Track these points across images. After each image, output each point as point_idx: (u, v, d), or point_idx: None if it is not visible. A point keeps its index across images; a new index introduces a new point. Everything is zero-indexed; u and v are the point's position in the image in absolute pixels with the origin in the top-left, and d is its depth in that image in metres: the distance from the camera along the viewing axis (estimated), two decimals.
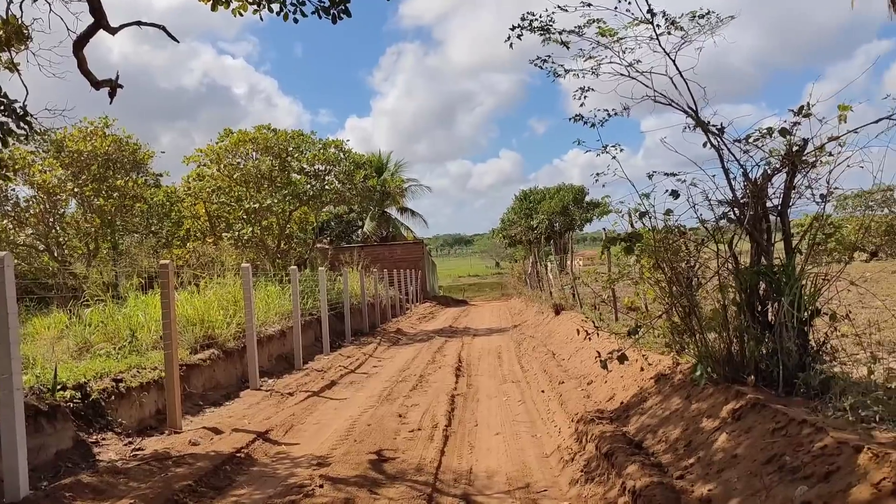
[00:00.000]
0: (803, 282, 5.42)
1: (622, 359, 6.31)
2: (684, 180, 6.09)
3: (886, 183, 5.28)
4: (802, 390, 4.99)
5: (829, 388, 4.85)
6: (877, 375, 4.92)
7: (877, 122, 5.03)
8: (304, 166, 21.64)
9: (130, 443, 6.98)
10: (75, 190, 17.56)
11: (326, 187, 21.71)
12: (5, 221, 17.19)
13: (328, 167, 21.86)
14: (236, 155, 20.81)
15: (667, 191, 6.18)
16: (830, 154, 5.46)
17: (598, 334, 8.44)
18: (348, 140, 22.61)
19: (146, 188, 20.29)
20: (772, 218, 5.84)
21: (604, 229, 9.13)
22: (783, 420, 4.27)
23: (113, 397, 7.36)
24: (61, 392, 6.75)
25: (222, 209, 21.08)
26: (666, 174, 6.23)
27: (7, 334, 5.13)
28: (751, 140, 5.77)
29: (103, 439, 6.85)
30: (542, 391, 9.51)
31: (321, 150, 21.70)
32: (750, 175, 5.80)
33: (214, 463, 6.19)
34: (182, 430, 7.67)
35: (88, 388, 7.13)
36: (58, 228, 18.08)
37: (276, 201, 20.17)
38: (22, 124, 7.26)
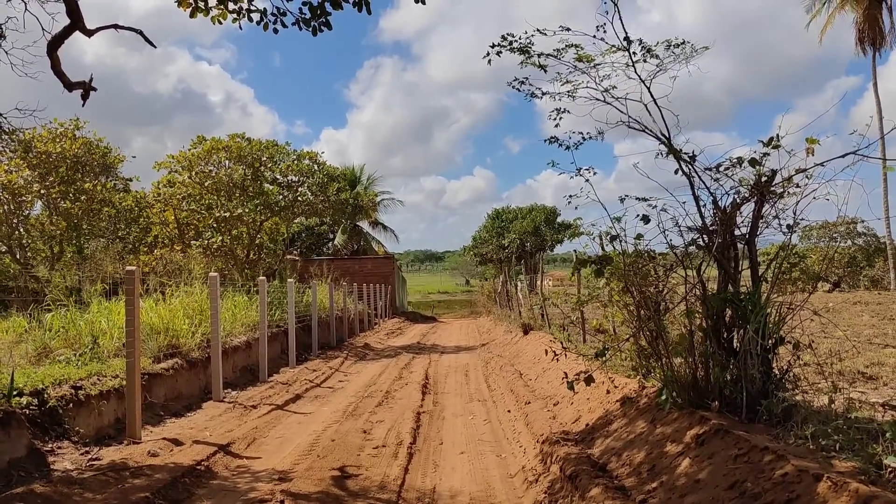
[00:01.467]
0: (768, 310, 5.51)
1: (589, 381, 6.34)
2: (655, 206, 6.18)
3: (850, 216, 5.38)
4: (765, 417, 5.06)
5: (790, 415, 4.92)
6: (837, 405, 5.01)
7: (843, 156, 5.16)
8: (278, 177, 21.49)
9: (87, 452, 6.81)
10: (41, 192, 17.22)
11: (299, 198, 21.57)
12: None
13: (301, 178, 21.74)
14: (209, 163, 20.61)
15: (638, 215, 6.26)
16: (798, 186, 5.58)
17: (565, 355, 8.48)
18: (323, 152, 22.51)
19: (115, 192, 19.95)
20: (739, 246, 5.94)
21: (574, 251, 9.22)
22: (745, 447, 4.32)
23: (71, 405, 7.19)
24: (17, 398, 6.57)
25: (192, 217, 20.82)
26: (637, 199, 6.31)
27: None
28: (721, 169, 5.87)
29: (59, 448, 6.67)
30: (509, 411, 9.50)
31: (295, 161, 21.59)
32: (720, 203, 5.90)
33: (173, 475, 6.06)
34: (141, 440, 7.50)
35: (46, 395, 6.96)
36: (21, 230, 17.69)
37: (247, 211, 19.99)
38: None
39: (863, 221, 38.20)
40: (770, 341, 5.45)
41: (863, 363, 8.42)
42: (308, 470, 6.37)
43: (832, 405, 5.02)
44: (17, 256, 17.43)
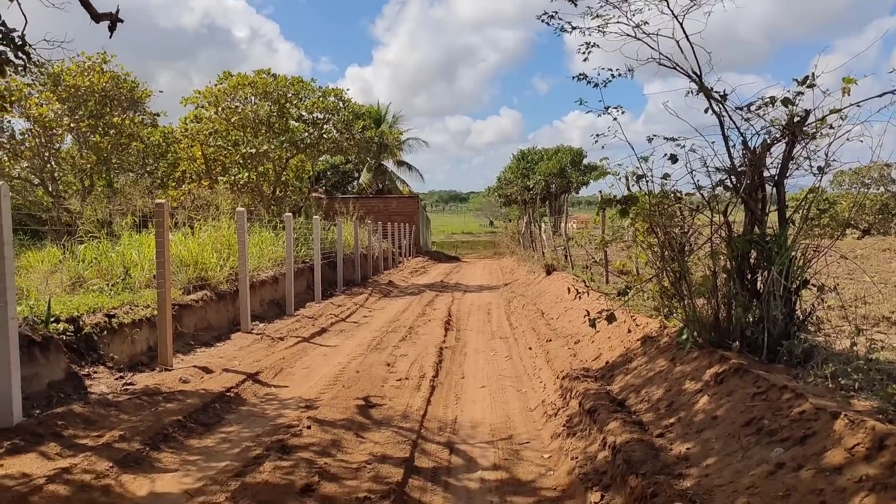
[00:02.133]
0: (794, 253, 5.48)
1: (611, 318, 6.39)
2: (683, 146, 6.11)
3: (884, 160, 5.28)
4: (785, 358, 5.09)
5: (811, 356, 4.95)
6: (859, 347, 5.02)
7: (881, 95, 5.03)
8: (303, 114, 21.43)
9: (122, 377, 7.07)
10: (71, 125, 17.37)
11: (324, 136, 21.54)
12: (1, 153, 17.03)
13: (327, 116, 21.66)
14: (234, 98, 20.58)
15: (665, 155, 6.20)
16: (831, 127, 5.47)
17: (588, 294, 8.52)
18: (348, 89, 22.34)
19: (143, 127, 20.06)
20: (767, 188, 5.87)
21: (600, 192, 9.16)
22: (764, 385, 4.37)
23: (105, 332, 7.43)
24: (54, 324, 6.81)
25: (219, 152, 20.92)
26: (666, 138, 6.23)
27: (3, 264, 5.16)
28: (753, 108, 5.76)
29: (95, 372, 6.93)
30: (530, 348, 9.64)
31: (320, 98, 21.48)
32: (749, 143, 5.82)
33: (204, 401, 6.29)
34: (173, 367, 7.76)
35: (81, 322, 7.19)
36: (53, 163, 17.93)
37: (272, 147, 20.03)
38: (20, 54, 7.16)
39: None
40: (794, 283, 5.44)
41: (888, 308, 8.37)
42: (333, 399, 6.56)
43: (854, 347, 5.04)
44: (50, 189, 17.72)
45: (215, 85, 20.54)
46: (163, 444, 5.19)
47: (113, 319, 7.67)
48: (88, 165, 18.06)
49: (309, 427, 5.49)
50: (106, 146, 17.95)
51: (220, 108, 20.33)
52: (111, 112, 18.33)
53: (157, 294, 8.00)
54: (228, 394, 6.71)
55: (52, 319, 6.82)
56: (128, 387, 6.74)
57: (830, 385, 4.16)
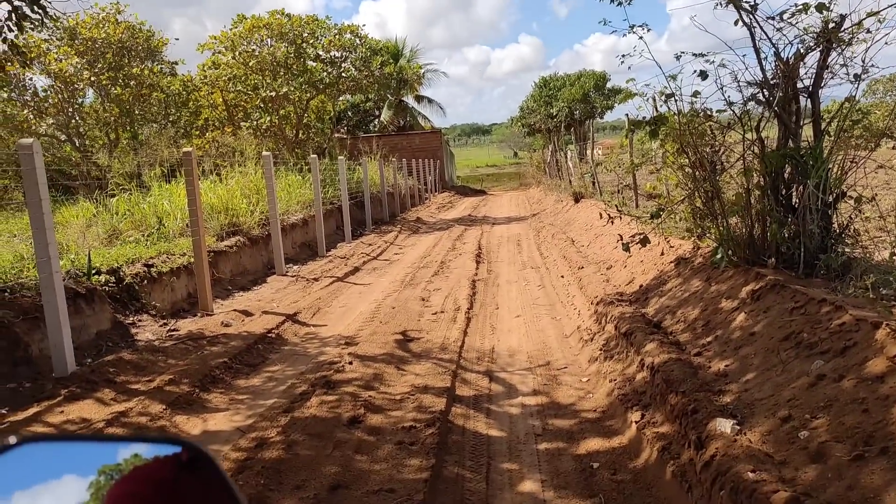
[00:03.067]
0: (830, 165, 5.37)
1: (644, 242, 6.37)
2: (713, 62, 5.94)
3: None
4: (823, 272, 5.05)
5: (849, 269, 4.90)
6: None
7: None
8: (320, 53, 21.15)
9: (165, 324, 7.26)
10: (92, 79, 17.37)
11: (343, 74, 21.30)
12: (26, 111, 17.15)
13: (344, 54, 21.37)
14: (251, 42, 20.34)
15: (694, 72, 6.04)
16: (868, 31, 5.27)
17: (619, 218, 8.48)
18: (364, 25, 22.07)
19: (162, 77, 19.99)
20: (801, 101, 5.72)
21: (626, 115, 8.99)
22: (802, 299, 4.35)
23: (145, 282, 7.60)
24: (96, 276, 6.98)
25: (239, 98, 20.84)
26: (695, 55, 6.05)
27: (42, 220, 5.27)
28: (785, 17, 5.56)
29: (139, 321, 7.13)
30: (562, 276, 9.67)
31: (336, 36, 21.15)
32: (782, 54, 5.64)
33: (247, 342, 6.46)
34: (213, 312, 7.95)
35: (122, 273, 7.36)
36: (77, 118, 18.03)
37: (292, 89, 19.88)
38: (36, 8, 7.14)
39: None
40: (831, 196, 5.35)
41: None
42: (372, 335, 6.69)
43: (893, 257, 4.98)
44: (77, 145, 17.88)
45: (230, 29, 20.31)
46: (211, 385, 5.37)
47: (152, 269, 7.84)
48: (112, 118, 18.14)
49: (350, 363, 5.62)
50: (127, 98, 17.97)
51: (237, 53, 20.14)
52: (129, 63, 18.27)
53: (192, 242, 8.13)
54: (270, 335, 6.88)
55: (93, 272, 6.99)
56: (172, 333, 6.94)
57: (870, 296, 4.13)
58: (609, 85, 51.86)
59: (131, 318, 7.09)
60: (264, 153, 11.41)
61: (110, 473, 0.81)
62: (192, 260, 8.20)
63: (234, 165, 13.52)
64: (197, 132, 20.97)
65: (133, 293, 7.36)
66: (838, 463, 2.83)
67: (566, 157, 22.79)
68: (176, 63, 21.34)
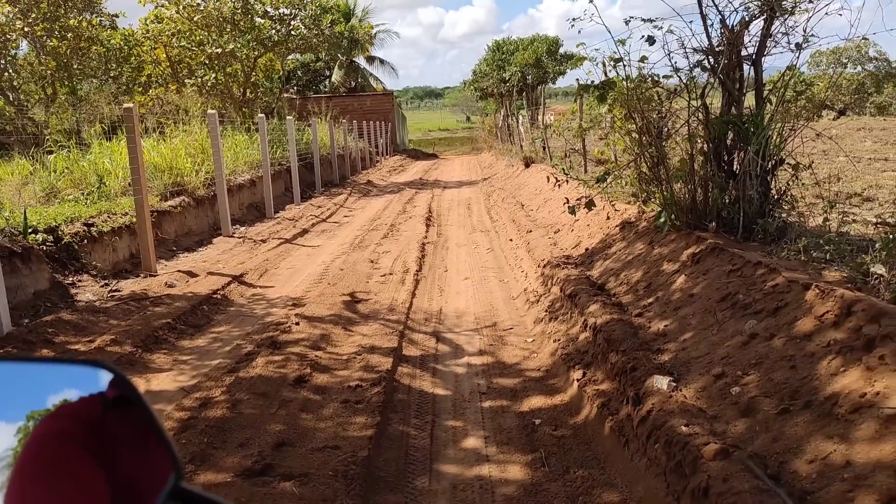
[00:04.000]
0: (770, 132, 5.51)
1: (590, 205, 6.46)
2: (661, 27, 5.99)
3: (861, 36, 5.22)
4: (760, 236, 5.21)
5: (785, 233, 5.07)
6: (831, 222, 5.15)
7: None
8: (268, 10, 20.55)
9: (107, 284, 7.10)
10: (25, 29, 16.56)
11: (292, 32, 20.78)
12: None
13: (293, 11, 20.81)
14: None
15: (643, 37, 6.09)
16: (811, 1, 5.38)
17: (567, 182, 8.57)
18: None
19: (102, 30, 19.16)
20: (745, 69, 5.82)
21: (577, 80, 9.03)
22: (739, 262, 4.49)
23: (85, 241, 7.40)
24: (33, 235, 6.76)
25: (184, 54, 20.16)
26: (643, 20, 6.09)
27: None
28: None
29: (79, 281, 6.95)
30: (511, 239, 9.75)
31: None
32: (727, 22, 5.72)
33: (192, 303, 6.36)
34: (157, 273, 7.79)
35: (60, 232, 7.14)
36: (11, 71, 17.22)
37: (239, 46, 19.32)
38: None
39: (875, 45, 36.89)
40: (770, 162, 5.49)
41: (861, 185, 8.52)
42: (320, 296, 6.66)
43: (826, 222, 5.17)
44: (10, 99, 17.10)
45: None
46: (154, 346, 5.29)
47: (92, 228, 7.62)
48: (48, 72, 17.37)
49: (297, 323, 5.60)
50: (65, 51, 17.19)
51: (181, 7, 19.42)
52: (66, 14, 17.45)
53: (134, 201, 7.92)
54: (215, 296, 6.78)
55: (29, 230, 6.76)
56: (114, 293, 6.79)
57: (803, 259, 4.29)
58: (562, 51, 51.83)
59: (71, 279, 6.90)
60: (209, 111, 11.12)
61: (39, 419, 0.80)
62: (135, 220, 7.99)
63: (178, 124, 13.14)
64: (140, 89, 20.25)
65: (72, 253, 7.16)
66: (766, 417, 2.96)
67: (518, 122, 22.82)
68: (116, 16, 20.49)
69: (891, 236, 3.84)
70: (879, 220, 5.62)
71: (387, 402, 4.14)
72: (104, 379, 0.78)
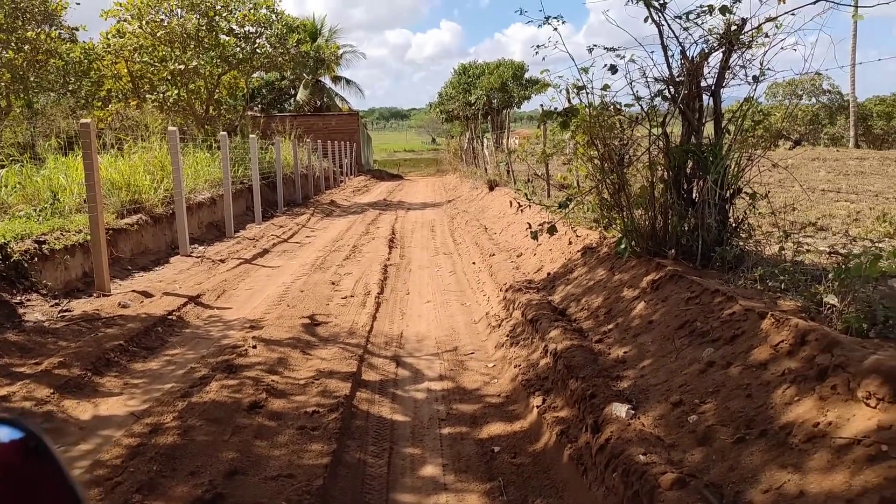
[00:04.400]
0: (729, 162, 5.61)
1: (552, 230, 6.49)
2: (624, 56, 6.09)
3: (814, 70, 5.36)
4: (718, 264, 5.28)
5: (742, 261, 5.14)
6: (787, 251, 5.24)
7: (814, 2, 5.07)
8: (234, 27, 20.43)
9: (57, 304, 6.89)
10: None
11: (257, 51, 20.67)
12: None
13: (259, 29, 20.72)
14: (160, 11, 19.44)
15: (605, 66, 6.18)
16: (767, 35, 5.51)
17: (530, 207, 8.62)
18: (281, 1, 21.39)
19: (61, 42, 18.80)
20: (705, 98, 5.94)
21: (541, 105, 9.12)
22: (697, 289, 4.53)
23: (36, 259, 7.18)
24: None
25: (146, 69, 19.89)
26: (606, 49, 6.19)
27: None
28: (691, 16, 5.74)
29: (28, 301, 6.73)
30: (473, 263, 9.75)
31: (251, 11, 20.47)
32: (688, 53, 5.83)
33: (146, 324, 6.20)
34: (111, 293, 7.59)
35: (9, 250, 6.92)
36: None
37: (203, 63, 19.15)
38: None
39: (829, 78, 38.13)
40: (728, 191, 5.59)
41: (815, 214, 8.73)
42: (279, 318, 6.55)
43: (782, 251, 5.26)
44: None
45: None
46: (105, 368, 5.12)
47: (44, 246, 7.41)
48: (2, 84, 16.97)
49: (254, 346, 5.49)
50: (21, 62, 16.83)
51: (144, 22, 19.20)
52: (24, 26, 17.11)
53: (89, 218, 7.72)
54: (171, 317, 6.63)
55: None
56: (65, 314, 6.59)
57: (759, 287, 4.35)
58: (527, 75, 52.45)
59: (19, 298, 6.68)
60: (170, 128, 10.95)
61: None
62: (89, 237, 7.80)
63: (137, 140, 12.92)
64: (99, 103, 19.89)
65: (21, 271, 6.94)
66: (722, 445, 2.96)
67: (483, 145, 22.97)
68: (77, 29, 20.13)
69: (843, 266, 3.91)
70: (832, 250, 5.74)
71: (344, 428, 4.06)
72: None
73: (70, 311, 6.71)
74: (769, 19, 5.40)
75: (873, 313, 3.37)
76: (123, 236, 9.34)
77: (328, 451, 3.66)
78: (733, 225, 5.66)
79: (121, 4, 19.32)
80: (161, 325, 6.33)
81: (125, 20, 19.47)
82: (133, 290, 7.68)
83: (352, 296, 7.70)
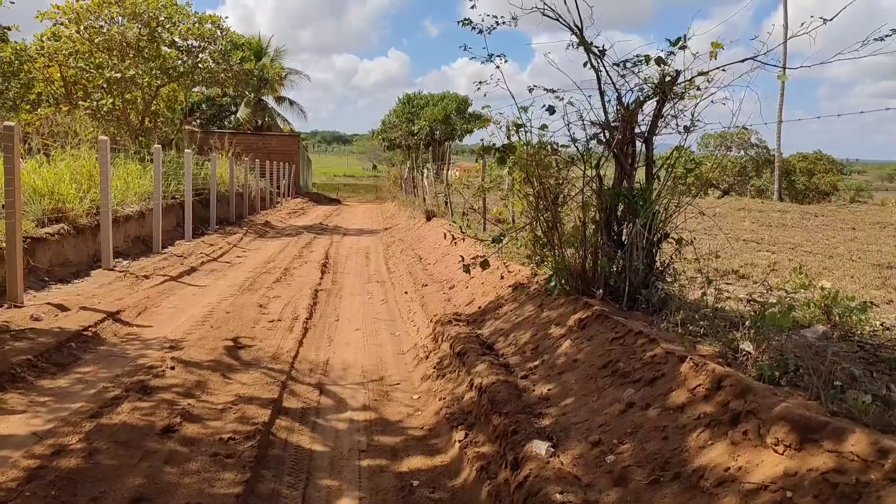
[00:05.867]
0: (658, 207, 5.77)
1: (484, 265, 6.53)
2: (562, 98, 6.23)
3: (744, 124, 5.58)
4: (644, 306, 5.40)
5: (666, 304, 5.27)
6: (708, 297, 5.40)
7: (743, 61, 5.32)
8: (176, 40, 20.06)
9: None
10: None
11: (199, 65, 20.33)
12: None
13: (203, 44, 20.40)
14: (99, 17, 18.94)
15: (544, 106, 6.31)
16: (699, 88, 5.73)
17: (464, 240, 8.66)
18: (227, 17, 21.12)
19: None
20: (638, 145, 6.12)
21: (482, 140, 9.23)
22: (622, 330, 4.62)
23: None
24: None
25: (80, 75, 19.29)
26: (546, 90, 6.33)
27: None
28: (628, 65, 5.93)
29: None
30: (406, 292, 9.71)
31: (196, 25, 20.16)
32: (624, 100, 6.01)
33: (59, 339, 5.92)
34: (24, 304, 7.23)
35: None
36: None
37: (141, 73, 18.70)
38: None
39: (757, 133, 39.98)
40: (656, 236, 5.74)
41: (738, 263, 9.05)
42: (201, 339, 6.35)
43: (704, 297, 5.41)
44: None
45: (77, 0, 18.80)
46: (9, 384, 4.85)
47: None
48: None
49: (172, 368, 5.30)
50: None
51: (82, 27, 18.67)
52: None
53: (5, 225, 7.37)
54: (86, 332, 6.35)
55: None
56: None
57: (681, 331, 4.45)
58: (470, 109, 53.27)
59: None
60: (101, 137, 10.61)
61: None
62: (4, 245, 7.43)
63: (66, 147, 12.46)
64: (27, 106, 19.17)
65: None
66: (637, 486, 3.00)
67: (423, 176, 23.07)
68: (9, 28, 19.46)
69: (759, 315, 4.05)
70: (751, 297, 5.95)
71: (260, 456, 3.93)
72: None
73: None
74: (701, 73, 5.63)
75: (785, 362, 3.49)
76: (42, 246, 8.94)
77: (241, 479, 3.54)
78: (659, 268, 5.81)
79: (58, 7, 18.76)
80: (75, 341, 6.05)
81: (62, 24, 18.90)
82: (48, 303, 7.33)
83: (279, 320, 7.55)
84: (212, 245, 14.02)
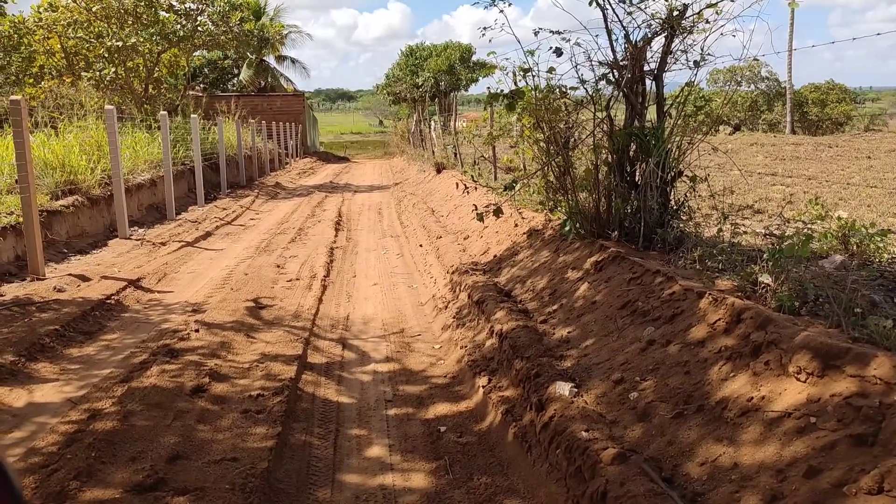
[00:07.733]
0: (670, 145, 5.72)
1: (498, 212, 6.53)
2: (569, 39, 6.13)
3: (753, 56, 5.48)
4: (659, 245, 5.40)
5: (682, 243, 5.27)
6: (724, 233, 5.39)
7: None
8: (174, 3, 19.81)
9: None
10: None
11: (199, 28, 20.09)
12: None
13: (200, 6, 20.13)
14: None
15: (551, 49, 6.21)
16: (707, 21, 5.62)
17: (476, 189, 8.64)
18: None
19: None
20: (648, 83, 6.03)
21: (488, 88, 9.13)
22: (639, 270, 4.63)
23: None
24: None
25: (81, 45, 19.14)
26: (552, 32, 6.22)
27: None
28: (634, 1, 5.81)
29: None
30: (420, 245, 9.75)
31: None
32: (631, 37, 5.90)
33: (83, 309, 6.02)
34: (46, 276, 7.33)
35: None
36: None
37: (142, 40, 18.53)
38: None
39: (767, 65, 39.18)
40: (669, 174, 5.70)
41: (753, 198, 8.99)
42: (222, 301, 6.43)
43: (720, 233, 5.40)
44: None
45: None
46: (39, 354, 4.96)
47: None
48: None
49: (196, 330, 5.38)
50: None
51: None
52: None
53: (20, 199, 7.43)
54: (109, 301, 6.45)
55: None
56: None
57: (698, 268, 4.46)
58: (474, 58, 52.45)
59: None
60: (107, 107, 10.59)
61: None
62: (21, 219, 7.50)
63: (72, 119, 12.45)
64: (31, 80, 19.09)
65: None
66: (662, 421, 3.05)
67: (430, 128, 22.89)
68: (5, 1, 19.24)
69: (777, 247, 4.05)
70: (767, 231, 5.92)
71: (289, 411, 4.03)
72: None
73: (1, 295, 6.46)
74: (709, 5, 5.51)
75: (804, 292, 3.49)
76: (59, 218, 9.02)
77: (273, 433, 3.63)
78: (674, 207, 5.78)
79: None
80: (99, 310, 6.15)
81: None
82: (69, 274, 7.43)
83: (297, 279, 7.61)
84: (225, 209, 14.07)
